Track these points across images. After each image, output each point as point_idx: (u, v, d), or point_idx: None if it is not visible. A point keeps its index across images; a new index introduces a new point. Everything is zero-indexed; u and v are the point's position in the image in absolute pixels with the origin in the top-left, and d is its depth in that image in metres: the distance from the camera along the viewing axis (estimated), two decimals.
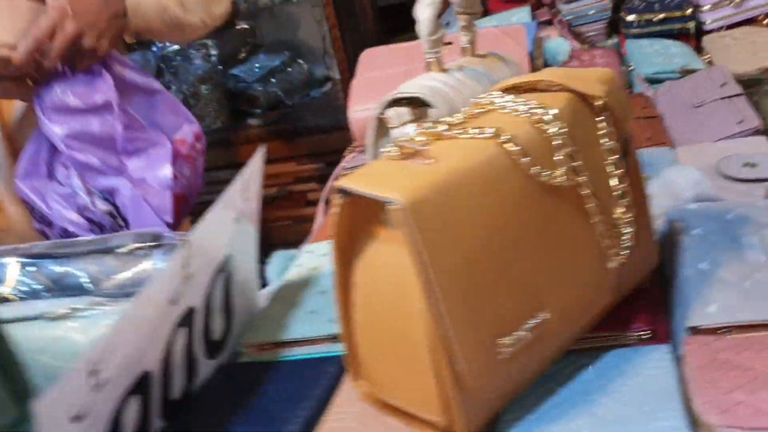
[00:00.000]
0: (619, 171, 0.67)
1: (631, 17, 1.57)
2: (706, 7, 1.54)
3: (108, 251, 0.80)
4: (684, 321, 0.71)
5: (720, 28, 1.51)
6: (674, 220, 0.87)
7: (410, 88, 0.79)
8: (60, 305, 0.71)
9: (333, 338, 0.76)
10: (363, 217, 0.60)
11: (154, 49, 2.42)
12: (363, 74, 1.33)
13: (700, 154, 1.07)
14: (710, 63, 1.41)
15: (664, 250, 0.83)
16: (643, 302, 0.73)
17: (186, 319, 0.71)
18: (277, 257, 1.03)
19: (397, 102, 0.79)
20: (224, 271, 0.79)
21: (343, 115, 1.34)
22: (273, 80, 2.50)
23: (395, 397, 0.64)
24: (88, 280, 0.79)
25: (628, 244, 0.68)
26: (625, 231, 0.68)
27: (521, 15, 1.57)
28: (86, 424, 0.55)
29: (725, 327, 0.69)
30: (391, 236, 0.58)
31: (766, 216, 0.81)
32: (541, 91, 0.68)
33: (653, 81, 1.39)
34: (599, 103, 0.65)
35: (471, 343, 0.57)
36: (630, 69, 1.46)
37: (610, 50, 1.56)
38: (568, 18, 1.66)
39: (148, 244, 0.80)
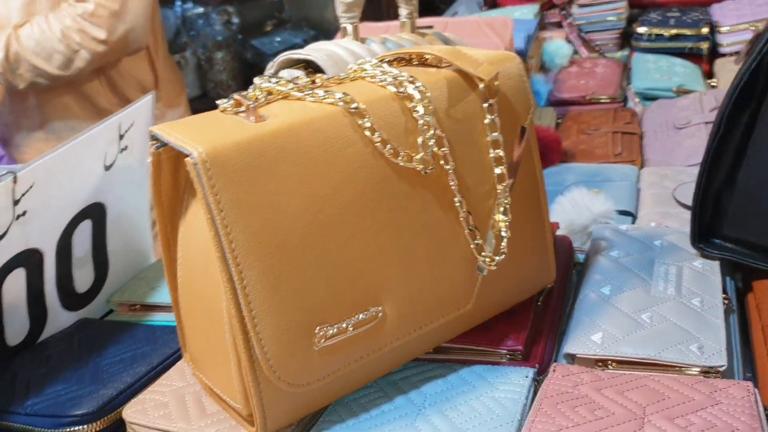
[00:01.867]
0: (500, 169, 0.60)
1: (642, 29, 1.48)
2: (724, 29, 1.43)
3: None
4: (564, 345, 0.64)
5: (736, 53, 1.41)
6: (597, 238, 0.79)
7: (309, 50, 0.72)
8: None
9: None
10: (178, 170, 0.54)
11: (177, 8, 2.40)
12: None
13: (662, 177, 0.98)
14: (714, 87, 1.31)
15: (583, 266, 0.76)
16: (526, 319, 0.66)
17: (23, 260, 0.67)
18: None
19: (296, 63, 0.73)
20: (90, 220, 0.74)
21: None
22: None
23: (209, 377, 0.58)
24: None
25: (504, 251, 0.60)
26: (503, 233, 0.60)
27: (525, 12, 1.49)
28: None
29: (603, 359, 0.61)
30: (201, 195, 0.52)
31: (683, 254, 0.73)
32: (427, 66, 0.61)
33: (647, 97, 1.30)
34: (481, 86, 0.58)
35: (275, 327, 0.51)
36: (628, 84, 1.37)
37: (616, 61, 1.46)
38: (579, 22, 1.57)
39: None
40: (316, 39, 2.54)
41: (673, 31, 1.44)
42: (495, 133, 0.60)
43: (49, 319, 0.72)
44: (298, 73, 0.71)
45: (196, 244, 0.54)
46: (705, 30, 1.43)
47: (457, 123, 0.58)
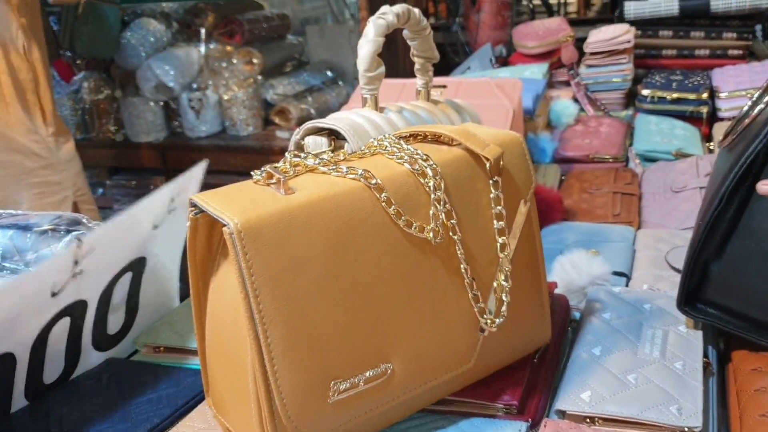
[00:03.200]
0: (502, 239, 0.66)
1: (645, 92, 1.55)
2: (723, 94, 1.50)
3: (26, 228, 0.83)
4: (556, 402, 0.69)
5: (733, 118, 1.47)
6: (592, 300, 0.85)
7: (333, 120, 0.79)
8: None
9: None
10: (221, 234, 0.61)
11: (201, 47, 2.49)
12: (353, 102, 1.34)
13: (657, 240, 1.04)
14: (711, 151, 1.38)
15: (578, 325, 0.81)
16: (522, 376, 0.72)
17: (71, 310, 0.73)
18: None
19: (320, 131, 0.80)
20: (131, 273, 0.80)
21: None
22: (309, 98, 2.53)
23: (228, 420, 0.64)
24: (0, 252, 0.81)
25: (504, 314, 0.66)
26: (504, 297, 0.66)
27: (534, 71, 1.56)
28: None
29: (590, 416, 0.67)
30: (234, 258, 0.58)
31: (681, 314, 0.79)
32: (440, 143, 0.68)
33: (648, 158, 1.36)
34: (487, 165, 0.65)
35: (293, 381, 0.56)
36: (629, 145, 1.43)
37: (620, 121, 1.53)
38: (586, 82, 1.64)
39: (65, 227, 0.82)
40: (334, 81, 2.62)
41: (675, 95, 1.51)
42: (499, 207, 0.66)
43: (81, 359, 0.78)
44: (322, 140, 0.78)
45: (225, 301, 0.61)
46: (705, 95, 1.50)
47: (465, 197, 0.65)
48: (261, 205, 0.56)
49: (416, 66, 0.91)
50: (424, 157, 0.63)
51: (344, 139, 0.78)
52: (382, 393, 0.61)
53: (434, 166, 0.63)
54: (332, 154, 0.64)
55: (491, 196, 0.66)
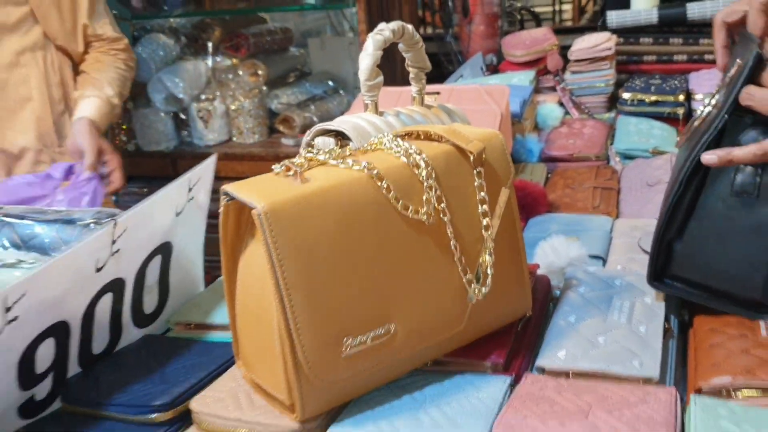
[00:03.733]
0: (486, 220, 0.78)
1: (626, 95, 1.66)
2: (698, 96, 1.62)
3: (71, 222, 0.95)
4: (536, 361, 0.81)
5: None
6: (570, 277, 0.97)
7: (338, 122, 0.91)
8: (12, 256, 0.85)
9: None
10: (248, 220, 0.72)
11: (208, 60, 2.61)
12: (356, 109, 1.45)
13: (632, 228, 1.16)
14: None
15: (557, 300, 0.93)
16: (508, 340, 0.83)
17: (112, 287, 0.84)
18: None
19: (327, 132, 0.91)
20: (160, 256, 0.92)
21: None
22: (312, 107, 2.66)
23: (258, 376, 0.75)
24: (49, 243, 0.93)
25: (488, 283, 0.78)
26: (488, 271, 0.78)
27: (522, 78, 1.68)
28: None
29: (565, 371, 0.78)
30: (261, 236, 0.70)
31: (648, 289, 0.90)
32: (431, 140, 0.79)
33: (627, 156, 1.48)
34: (471, 158, 0.76)
35: (312, 337, 0.68)
36: (611, 144, 1.55)
37: (602, 123, 1.65)
38: (570, 87, 1.76)
39: (103, 220, 0.94)
40: (335, 90, 2.74)
41: (654, 98, 1.63)
42: (482, 193, 0.78)
43: (123, 334, 0.90)
44: (330, 140, 0.90)
45: (253, 274, 0.72)
46: (681, 97, 1.62)
47: (453, 185, 0.76)
48: (282, 192, 0.68)
49: (411, 75, 1.03)
50: (418, 151, 0.75)
51: (349, 139, 0.90)
52: (386, 350, 0.73)
53: (426, 159, 0.75)
54: (339, 151, 0.75)
55: (475, 184, 0.78)
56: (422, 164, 0.74)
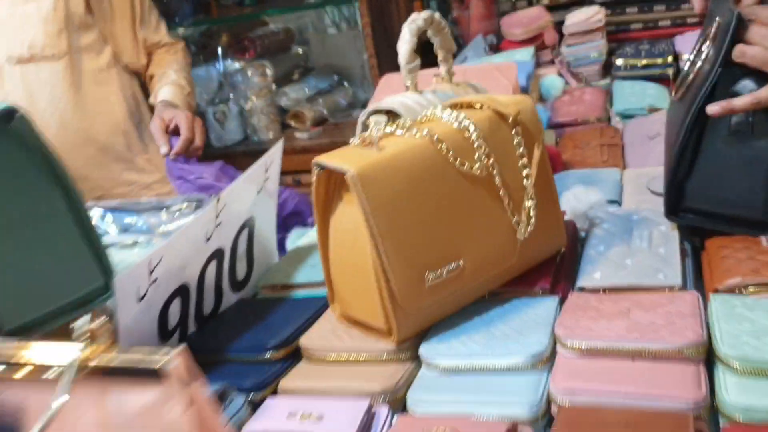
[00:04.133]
0: (526, 171, 0.94)
1: (619, 61, 1.83)
2: (685, 56, 1.78)
3: (163, 208, 1.10)
4: (576, 283, 0.97)
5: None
6: (594, 217, 1.13)
7: (388, 102, 1.07)
8: (128, 238, 1.01)
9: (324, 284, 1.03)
10: (335, 185, 0.88)
11: (218, 65, 2.76)
12: (380, 94, 1.61)
13: (638, 175, 1.32)
14: None
15: (584, 238, 1.09)
16: (550, 269, 1.00)
17: (216, 255, 1.01)
18: (295, 232, 1.32)
19: (378, 112, 1.07)
20: (247, 228, 1.08)
21: None
22: (320, 100, 2.81)
23: (356, 312, 0.92)
24: (146, 228, 1.09)
25: (532, 223, 0.94)
26: (531, 213, 0.94)
27: (524, 54, 1.84)
28: (146, 305, 0.84)
29: (602, 288, 0.95)
30: (350, 198, 0.86)
31: (661, 220, 1.07)
32: (473, 108, 0.95)
33: (625, 116, 1.64)
34: (510, 119, 0.93)
35: (402, 273, 0.84)
36: (610, 107, 1.71)
37: (599, 89, 1.81)
38: (567, 59, 1.93)
39: (194, 204, 1.10)
40: (340, 83, 2.90)
41: (644, 61, 1.79)
42: (521, 149, 0.94)
43: (224, 297, 1.06)
44: (382, 118, 1.06)
45: (345, 229, 0.88)
46: (670, 59, 1.78)
47: (496, 143, 0.92)
48: (365, 159, 0.84)
49: (439, 57, 1.19)
50: (466, 118, 0.91)
51: (398, 116, 1.06)
52: (457, 281, 0.89)
53: (473, 123, 0.91)
54: (404, 123, 0.91)
55: (514, 142, 0.94)
56: (471, 128, 0.90)
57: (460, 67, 1.67)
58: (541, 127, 0.98)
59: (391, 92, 1.58)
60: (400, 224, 0.84)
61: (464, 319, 0.91)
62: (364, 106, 2.90)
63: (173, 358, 0.40)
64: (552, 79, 1.78)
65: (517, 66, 1.60)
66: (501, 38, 2.07)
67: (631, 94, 1.71)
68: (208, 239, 0.96)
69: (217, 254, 1.01)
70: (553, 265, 1.01)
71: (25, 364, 0.40)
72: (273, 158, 1.08)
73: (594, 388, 0.76)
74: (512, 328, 0.88)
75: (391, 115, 1.07)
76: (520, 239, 0.94)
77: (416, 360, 0.88)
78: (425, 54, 2.92)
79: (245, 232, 1.07)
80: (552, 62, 1.94)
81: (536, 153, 0.96)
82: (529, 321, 0.89)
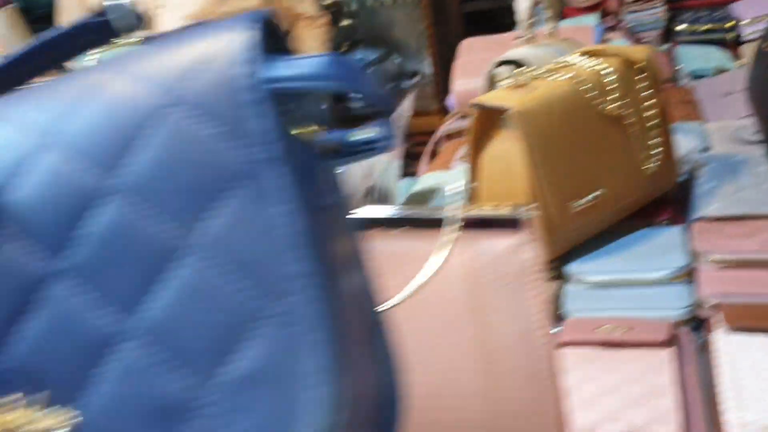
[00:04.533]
0: (652, 112, 1.04)
1: (681, 27, 1.93)
2: (744, 22, 1.88)
3: None
4: (694, 213, 1.08)
5: (755, 39, 1.86)
6: (701, 159, 1.24)
7: (513, 54, 1.17)
8: None
9: None
10: (486, 124, 0.99)
11: None
12: (463, 57, 1.71)
13: (720, 128, 1.43)
14: (741, 66, 1.76)
15: (694, 175, 1.20)
16: (669, 202, 1.10)
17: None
18: (404, 181, 1.43)
19: (504, 63, 1.17)
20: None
21: (429, 103, 1.72)
22: (369, 71, 2.91)
23: None
24: None
25: (657, 158, 1.05)
26: (655, 150, 1.05)
27: (590, 20, 1.94)
28: None
29: (719, 217, 1.05)
30: (503, 134, 0.96)
31: (757, 161, 1.17)
32: (605, 55, 1.05)
33: (695, 76, 1.74)
34: (640, 65, 1.03)
35: (553, 199, 0.95)
36: (677, 68, 1.81)
37: (662, 53, 1.91)
38: (630, 25, 2.02)
39: None
40: (388, 54, 2.99)
41: (705, 27, 1.89)
42: (649, 91, 1.04)
43: None
44: (508, 67, 1.16)
45: (499, 160, 0.99)
46: (729, 24, 1.88)
47: (629, 85, 1.03)
48: (522, 98, 0.94)
49: (548, 15, 1.29)
50: (601, 63, 1.01)
51: (523, 65, 1.16)
52: (595, 210, 1.00)
53: (608, 67, 1.01)
54: (550, 67, 1.01)
55: (642, 85, 1.04)
56: (607, 72, 1.00)
57: (542, 30, 1.77)
58: (661, 73, 1.08)
59: (474, 56, 1.69)
60: (552, 156, 0.95)
61: (604, 243, 1.02)
62: (411, 77, 3.00)
63: (528, 211, 0.51)
64: (619, 43, 1.88)
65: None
66: (563, 5, 2.16)
67: (697, 57, 1.81)
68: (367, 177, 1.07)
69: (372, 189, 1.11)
70: (670, 199, 1.11)
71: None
72: (405, 109, 1.18)
73: (744, 291, 0.87)
74: (648, 250, 0.99)
75: (516, 65, 1.17)
76: (647, 173, 1.04)
77: (559, 280, 0.99)
78: (474, 23, 2.98)
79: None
80: (613, 28, 2.04)
81: (659, 96, 1.06)
82: (663, 244, 1.00)
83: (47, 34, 0.43)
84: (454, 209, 0.52)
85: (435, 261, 0.49)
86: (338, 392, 0.31)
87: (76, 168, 0.35)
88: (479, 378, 0.50)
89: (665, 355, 0.80)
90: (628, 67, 1.04)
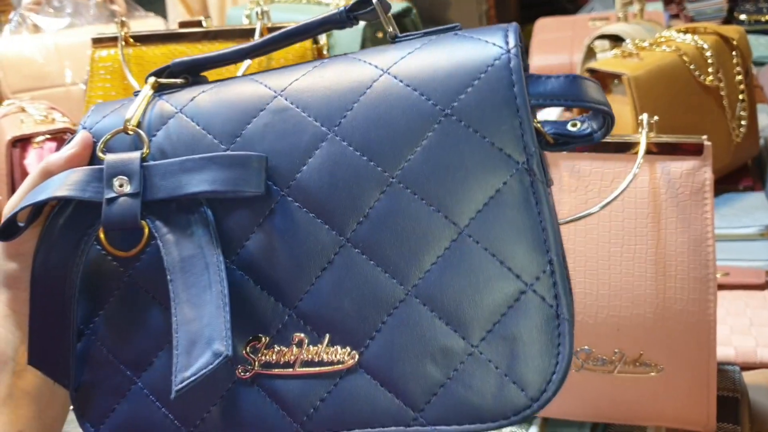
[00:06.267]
0: (742, 86, 1.14)
1: (742, 17, 2.02)
2: None
3: None
4: None
5: None
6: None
7: (610, 29, 1.27)
8: None
9: None
10: None
11: None
12: (538, 36, 1.81)
13: None
14: None
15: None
16: (749, 170, 1.20)
17: None
18: None
19: (601, 37, 1.27)
20: None
21: None
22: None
23: None
24: None
25: (744, 129, 1.14)
26: (743, 122, 1.14)
27: (655, 7, 2.03)
28: None
29: None
30: (612, 98, 1.06)
31: None
32: (701, 33, 1.15)
33: (756, 63, 1.83)
34: (734, 42, 1.12)
35: None
36: None
37: None
38: (691, 14, 2.11)
39: None
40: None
41: (766, 17, 1.98)
42: (738, 68, 1.14)
43: None
44: (605, 42, 1.25)
45: None
46: None
47: (722, 60, 1.12)
48: (634, 65, 1.04)
49: None
50: (699, 39, 1.11)
51: (621, 40, 1.26)
52: None
53: (707, 43, 1.10)
54: (652, 40, 1.11)
55: (734, 61, 1.14)
56: (705, 46, 1.10)
57: (610, 13, 1.86)
58: (751, 52, 1.17)
59: (548, 34, 1.78)
60: (659, 121, 1.04)
61: None
62: None
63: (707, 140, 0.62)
64: None
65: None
66: None
67: (760, 45, 1.90)
68: None
69: None
70: (748, 169, 1.21)
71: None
72: None
73: None
74: (737, 210, 1.09)
75: (612, 40, 1.27)
76: (736, 141, 1.14)
77: None
78: (528, 7, 3.05)
79: None
80: (676, 16, 2.12)
81: (748, 72, 1.16)
82: (748, 206, 1.10)
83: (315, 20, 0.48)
84: (641, 136, 0.62)
85: (624, 180, 0.60)
86: (569, 358, 0.39)
87: (357, 158, 0.42)
88: (654, 280, 0.60)
89: (765, 295, 0.90)
90: (722, 44, 1.13)
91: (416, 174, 0.42)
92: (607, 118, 0.43)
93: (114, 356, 0.47)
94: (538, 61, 1.74)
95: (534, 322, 0.39)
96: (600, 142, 0.63)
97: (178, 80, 0.50)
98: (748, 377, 0.70)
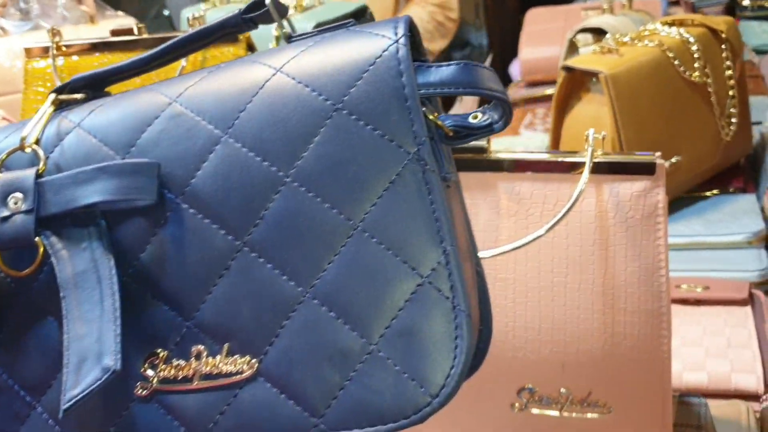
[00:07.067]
0: (731, 82, 1.07)
1: (746, 2, 1.93)
2: None
3: None
4: (766, 182, 1.11)
5: None
6: (763, 132, 1.26)
7: (593, 22, 1.20)
8: None
9: None
10: (572, 87, 1.02)
11: None
12: (529, 27, 1.74)
13: None
14: None
15: (763, 145, 1.22)
16: (741, 170, 1.13)
17: None
18: None
19: (583, 30, 1.20)
20: None
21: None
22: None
23: None
24: None
25: (735, 127, 1.07)
26: (733, 119, 1.08)
27: None
28: None
29: None
30: (590, 97, 0.99)
31: None
32: (688, 25, 1.08)
33: (758, 51, 1.75)
34: (723, 35, 1.05)
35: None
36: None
37: None
38: (692, 0, 2.03)
39: None
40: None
41: None
42: (728, 62, 1.07)
43: None
44: (588, 35, 1.19)
45: (580, 124, 1.02)
46: None
47: (710, 54, 1.05)
48: (610, 62, 0.98)
49: None
50: (685, 31, 1.04)
51: (602, 33, 1.19)
52: (675, 174, 1.03)
53: (692, 37, 1.04)
54: (635, 35, 1.04)
55: (723, 55, 1.07)
56: (691, 40, 1.03)
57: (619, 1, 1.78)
58: (742, 45, 1.10)
59: (539, 25, 1.71)
60: (638, 118, 0.98)
61: (680, 208, 1.06)
62: (462, 48, 3.02)
63: (659, 157, 0.55)
64: None
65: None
66: None
67: (762, 32, 1.81)
68: None
69: None
70: (740, 169, 1.14)
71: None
72: None
73: None
74: (724, 215, 1.02)
75: (595, 33, 1.20)
76: (725, 140, 1.07)
77: None
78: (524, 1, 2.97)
79: None
80: (678, 2, 2.04)
81: (738, 66, 1.09)
82: (736, 210, 1.03)
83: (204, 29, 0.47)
84: (587, 154, 0.56)
85: (567, 203, 0.54)
86: (468, 352, 0.37)
87: (251, 159, 0.41)
88: (601, 313, 0.55)
89: (746, 311, 0.84)
90: (711, 37, 1.06)
91: (310, 171, 0.40)
92: (505, 107, 0.41)
93: (14, 381, 0.45)
94: (527, 54, 1.67)
95: (430, 316, 0.38)
96: (541, 161, 0.59)
97: (78, 96, 0.49)
98: (717, 410, 0.64)
